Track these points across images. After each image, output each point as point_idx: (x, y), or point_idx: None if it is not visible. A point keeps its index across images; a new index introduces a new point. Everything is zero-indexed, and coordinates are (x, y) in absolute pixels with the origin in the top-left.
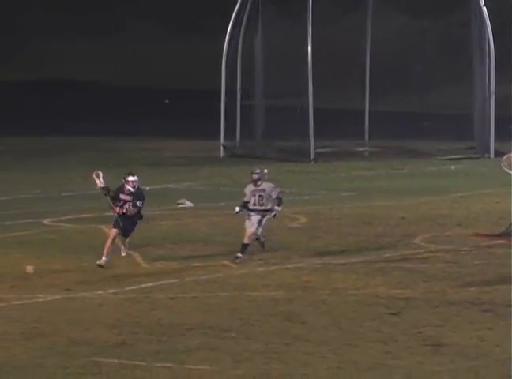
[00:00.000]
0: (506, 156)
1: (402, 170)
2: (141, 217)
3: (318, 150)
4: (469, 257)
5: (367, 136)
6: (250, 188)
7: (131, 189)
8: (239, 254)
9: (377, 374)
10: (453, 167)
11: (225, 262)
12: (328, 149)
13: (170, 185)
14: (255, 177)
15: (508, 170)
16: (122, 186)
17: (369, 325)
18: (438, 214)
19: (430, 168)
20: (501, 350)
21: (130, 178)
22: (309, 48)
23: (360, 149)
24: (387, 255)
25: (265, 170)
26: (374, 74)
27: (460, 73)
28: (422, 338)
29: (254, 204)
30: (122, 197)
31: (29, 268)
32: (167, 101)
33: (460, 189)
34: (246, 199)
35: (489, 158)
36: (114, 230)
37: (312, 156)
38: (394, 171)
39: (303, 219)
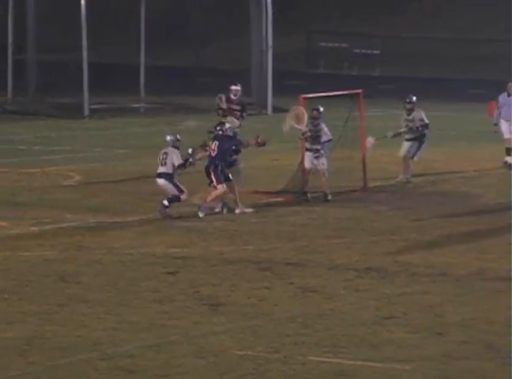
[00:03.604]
0: (296, 109)
1: (179, 127)
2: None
3: (93, 106)
4: (247, 215)
5: (142, 92)
6: None
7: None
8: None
9: (154, 335)
10: None
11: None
12: (103, 105)
13: None
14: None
15: (295, 124)
16: None
17: (146, 285)
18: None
19: (207, 124)
20: (279, 309)
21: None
22: (82, 0)
23: (136, 105)
24: None
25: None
26: (149, 28)
27: (237, 27)
28: (199, 297)
29: None
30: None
31: None
32: None
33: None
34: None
35: (267, 114)
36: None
37: (86, 113)
38: (171, 128)
39: (78, 177)
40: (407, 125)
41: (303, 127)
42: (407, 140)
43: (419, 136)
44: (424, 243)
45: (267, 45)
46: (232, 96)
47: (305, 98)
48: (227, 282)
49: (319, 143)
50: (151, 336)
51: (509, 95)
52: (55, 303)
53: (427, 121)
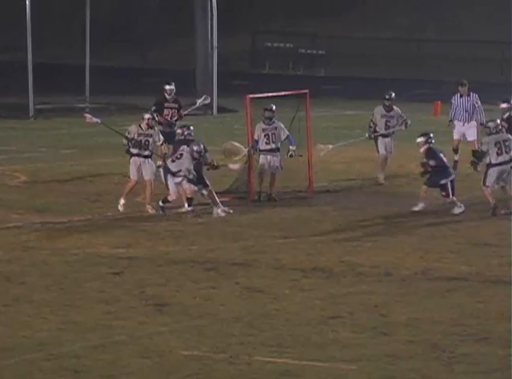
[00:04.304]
0: (225, 146)
1: (124, 127)
2: None
3: (38, 106)
4: (193, 215)
5: (87, 92)
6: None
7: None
8: None
9: (99, 335)
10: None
11: None
12: (48, 105)
13: None
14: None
15: (236, 157)
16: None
17: (91, 285)
18: None
19: None
20: (225, 309)
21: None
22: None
23: (81, 105)
24: (110, 213)
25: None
26: (94, 28)
27: (182, 28)
28: (145, 298)
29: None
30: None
31: None
32: None
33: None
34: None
35: (212, 114)
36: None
37: (32, 113)
38: (117, 128)
39: (23, 178)
40: (387, 122)
41: (244, 152)
42: (384, 136)
43: (392, 133)
44: (370, 243)
45: (212, 46)
46: (167, 96)
47: (251, 98)
48: (172, 282)
49: (277, 142)
50: (96, 337)
51: (461, 96)
52: (0, 304)
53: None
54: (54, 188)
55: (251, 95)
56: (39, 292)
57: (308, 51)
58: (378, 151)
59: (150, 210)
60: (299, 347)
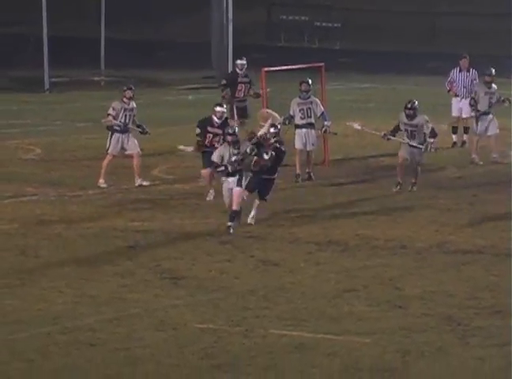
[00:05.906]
0: (261, 111)
1: (139, 101)
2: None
3: (53, 80)
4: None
5: (102, 66)
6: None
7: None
8: None
9: (114, 308)
10: (190, 97)
11: None
12: (63, 79)
13: None
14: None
15: (267, 124)
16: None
17: (106, 259)
18: (175, 146)
19: (167, 98)
20: (240, 283)
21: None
22: None
23: (96, 79)
24: (124, 187)
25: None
26: (108, 0)
27: (196, 0)
28: (160, 271)
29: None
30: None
31: None
32: None
33: (198, 118)
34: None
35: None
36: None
37: (47, 86)
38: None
39: (38, 151)
40: (490, 99)
41: (277, 120)
42: (486, 114)
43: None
44: (385, 216)
45: (227, 18)
46: (239, 71)
47: (267, 71)
48: (187, 255)
49: (312, 117)
50: (111, 310)
51: (460, 71)
52: (15, 277)
53: None
54: (69, 161)
55: (267, 68)
56: (54, 265)
57: (323, 24)
58: (476, 132)
59: (141, 182)
60: (314, 320)
